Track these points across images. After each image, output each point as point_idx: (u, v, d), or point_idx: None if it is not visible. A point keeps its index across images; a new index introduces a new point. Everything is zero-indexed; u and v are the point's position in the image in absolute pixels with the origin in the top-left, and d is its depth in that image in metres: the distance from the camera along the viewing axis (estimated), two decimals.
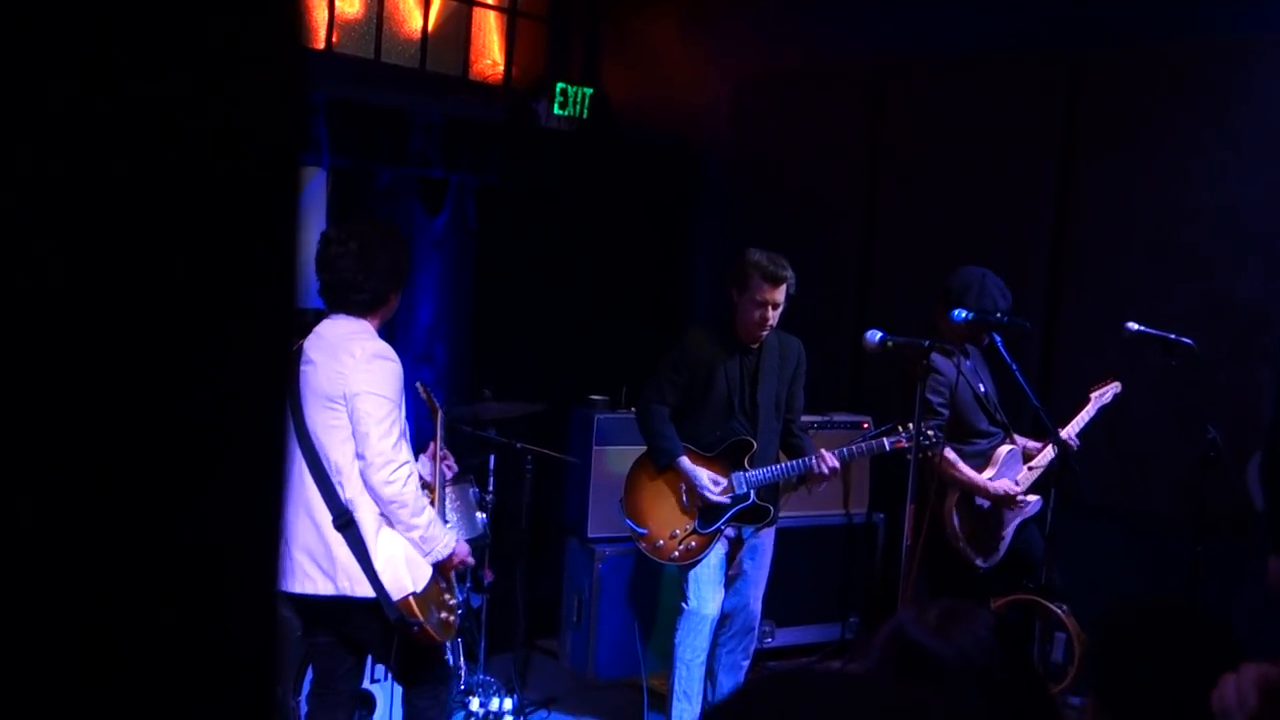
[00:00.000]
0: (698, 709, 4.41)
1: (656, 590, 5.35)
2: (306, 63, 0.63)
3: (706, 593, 4.39)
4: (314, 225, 5.16)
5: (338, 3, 5.95)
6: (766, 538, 4.54)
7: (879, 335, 3.83)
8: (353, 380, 3.34)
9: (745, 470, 4.36)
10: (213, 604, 0.61)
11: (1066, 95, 5.23)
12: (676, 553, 4.38)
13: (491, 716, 4.52)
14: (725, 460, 4.38)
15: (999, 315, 3.75)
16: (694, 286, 6.73)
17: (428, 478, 3.71)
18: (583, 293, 6.10)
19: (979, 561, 4.31)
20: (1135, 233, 4.97)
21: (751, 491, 4.36)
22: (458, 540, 3.60)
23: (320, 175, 5.29)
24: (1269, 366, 4.53)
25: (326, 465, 3.36)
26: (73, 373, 0.55)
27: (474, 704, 4.55)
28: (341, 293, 3.45)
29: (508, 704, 4.58)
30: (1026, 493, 4.39)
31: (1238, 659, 1.66)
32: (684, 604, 4.42)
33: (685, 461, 4.32)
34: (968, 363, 4.41)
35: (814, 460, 4.30)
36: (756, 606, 4.57)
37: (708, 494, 4.30)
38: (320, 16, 5.93)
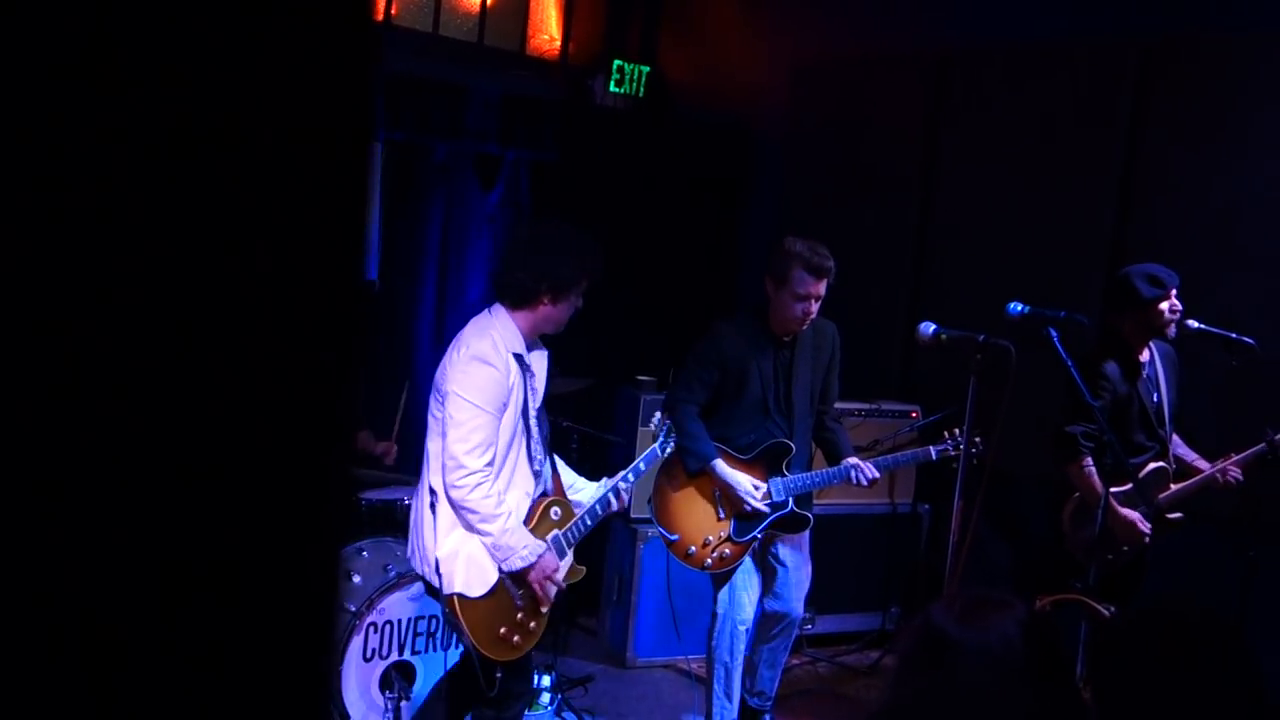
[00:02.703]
0: (736, 708, 4.29)
1: (696, 573, 5.34)
2: (376, 38, 0.63)
3: (740, 598, 4.20)
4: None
5: None
6: (803, 537, 4.33)
7: (933, 328, 3.75)
8: (450, 376, 3.35)
9: (784, 476, 4.14)
10: (273, 589, 0.61)
11: (1134, 84, 5.12)
12: (709, 560, 4.16)
13: (529, 692, 4.54)
14: (762, 464, 4.14)
15: (1061, 312, 3.66)
16: (745, 269, 6.69)
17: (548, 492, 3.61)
18: (634, 272, 6.08)
19: (1091, 569, 4.11)
20: (1198, 227, 4.86)
21: (790, 499, 4.14)
22: (542, 556, 3.41)
23: (376, 148, 5.31)
24: None
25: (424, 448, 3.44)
26: (144, 349, 0.56)
27: None
28: (493, 278, 3.55)
29: (546, 681, 4.60)
30: (1170, 511, 4.18)
31: (1243, 666, 1.63)
32: (715, 608, 4.24)
33: (721, 465, 4.07)
34: (1148, 368, 4.20)
35: (853, 473, 4.09)
36: (799, 608, 4.35)
37: (749, 500, 4.06)
38: None
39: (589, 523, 3.60)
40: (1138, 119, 5.11)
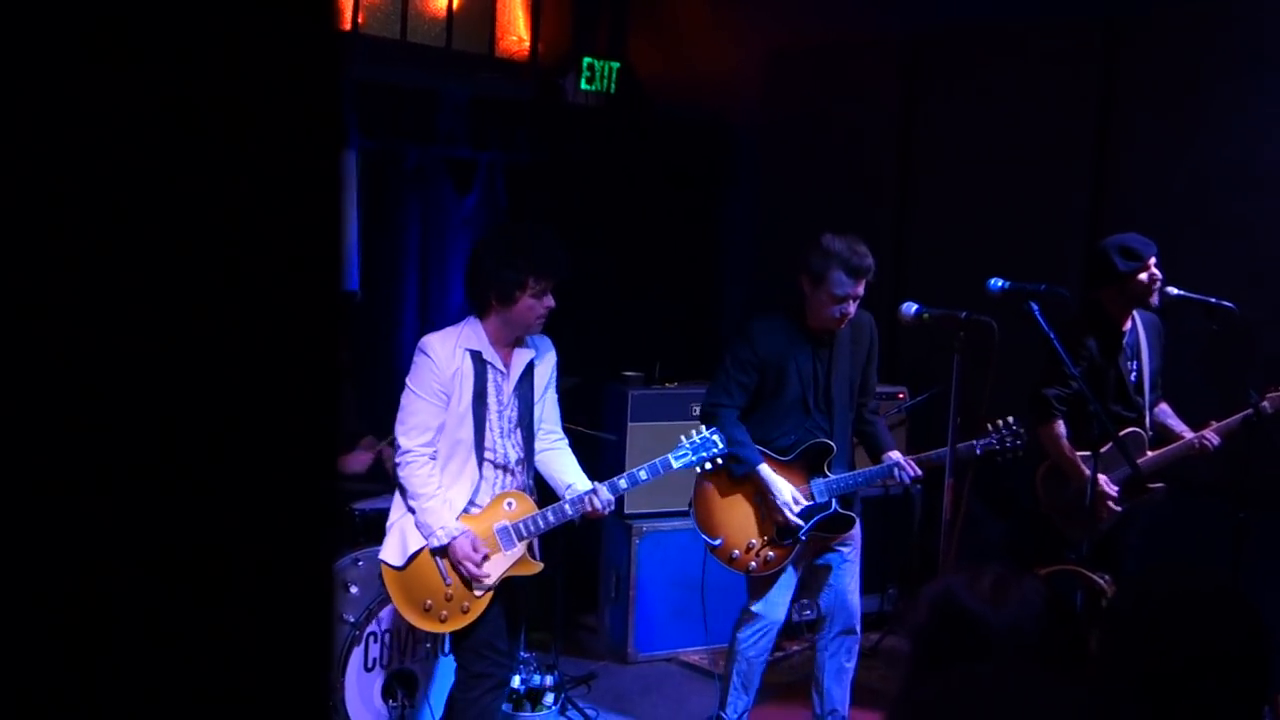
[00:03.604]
0: (751, 701, 4.23)
1: (694, 565, 5.35)
2: (343, 46, 0.63)
3: (777, 598, 4.13)
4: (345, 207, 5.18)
5: None
6: (855, 536, 4.23)
7: (915, 307, 3.76)
8: None
9: (826, 476, 4.05)
10: (267, 589, 0.61)
11: (1103, 60, 5.15)
12: (753, 564, 4.08)
13: (533, 693, 4.55)
14: (803, 465, 4.06)
15: (1041, 285, 3.68)
16: (726, 260, 6.70)
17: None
18: (614, 269, 6.08)
19: (1070, 536, 4.11)
20: (1174, 197, 4.89)
21: (833, 500, 4.05)
22: (456, 539, 3.53)
23: (350, 157, 5.30)
24: None
25: None
26: (113, 363, 0.55)
27: (515, 681, 4.57)
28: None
29: (548, 680, 4.60)
30: (1150, 479, 4.19)
31: (1252, 631, 1.63)
32: (749, 605, 4.15)
33: (766, 470, 3.99)
34: (1129, 336, 4.24)
35: (895, 470, 4.01)
36: (855, 601, 4.22)
37: (786, 512, 3.98)
38: None
39: (551, 519, 3.65)
40: (1107, 93, 5.14)
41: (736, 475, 4.03)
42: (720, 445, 3.83)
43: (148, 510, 0.56)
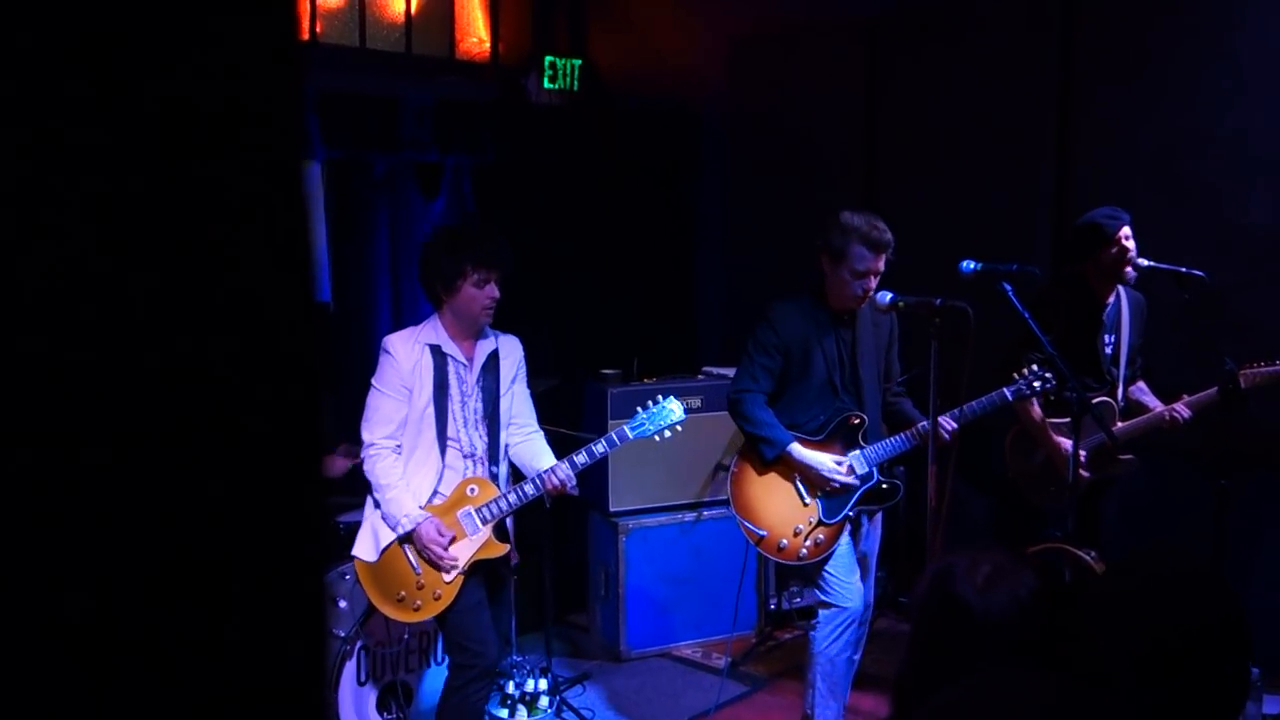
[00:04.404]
0: (842, 707, 4.09)
1: (682, 560, 5.36)
2: (301, 56, 0.62)
3: (846, 585, 4.01)
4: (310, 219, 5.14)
5: None
6: (878, 518, 4.19)
7: (890, 296, 3.75)
8: None
9: (862, 447, 3.99)
10: (259, 608, 0.60)
11: (1060, 30, 5.17)
12: (804, 550, 3.97)
13: (527, 698, 4.54)
14: (837, 442, 4.00)
15: (1013, 265, 3.70)
16: (698, 252, 6.69)
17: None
18: (588, 266, 6.07)
19: (1040, 508, 4.15)
20: (1139, 167, 4.92)
21: (874, 469, 3.99)
22: (420, 524, 3.63)
23: (315, 168, 5.26)
24: None
25: None
26: (85, 376, 0.55)
27: (509, 686, 4.57)
28: None
29: (542, 684, 4.60)
30: (1121, 451, 4.24)
31: (1232, 615, 1.64)
32: (823, 599, 4.03)
33: (798, 449, 3.93)
34: (1110, 311, 4.29)
35: (928, 423, 3.82)
36: (870, 594, 4.16)
37: (835, 477, 3.91)
38: (303, 7, 5.87)
39: (513, 500, 3.75)
40: (1066, 66, 5.16)
41: (769, 459, 3.97)
42: (680, 414, 3.87)
43: (127, 524, 0.56)
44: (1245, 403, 4.03)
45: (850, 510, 4.00)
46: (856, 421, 3.99)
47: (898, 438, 3.99)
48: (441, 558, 3.64)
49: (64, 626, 0.55)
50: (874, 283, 3.84)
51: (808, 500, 3.99)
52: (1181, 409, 4.24)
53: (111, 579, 0.56)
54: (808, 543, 3.98)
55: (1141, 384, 4.48)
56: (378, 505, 3.70)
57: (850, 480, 3.94)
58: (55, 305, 0.54)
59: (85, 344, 0.54)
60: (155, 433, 0.56)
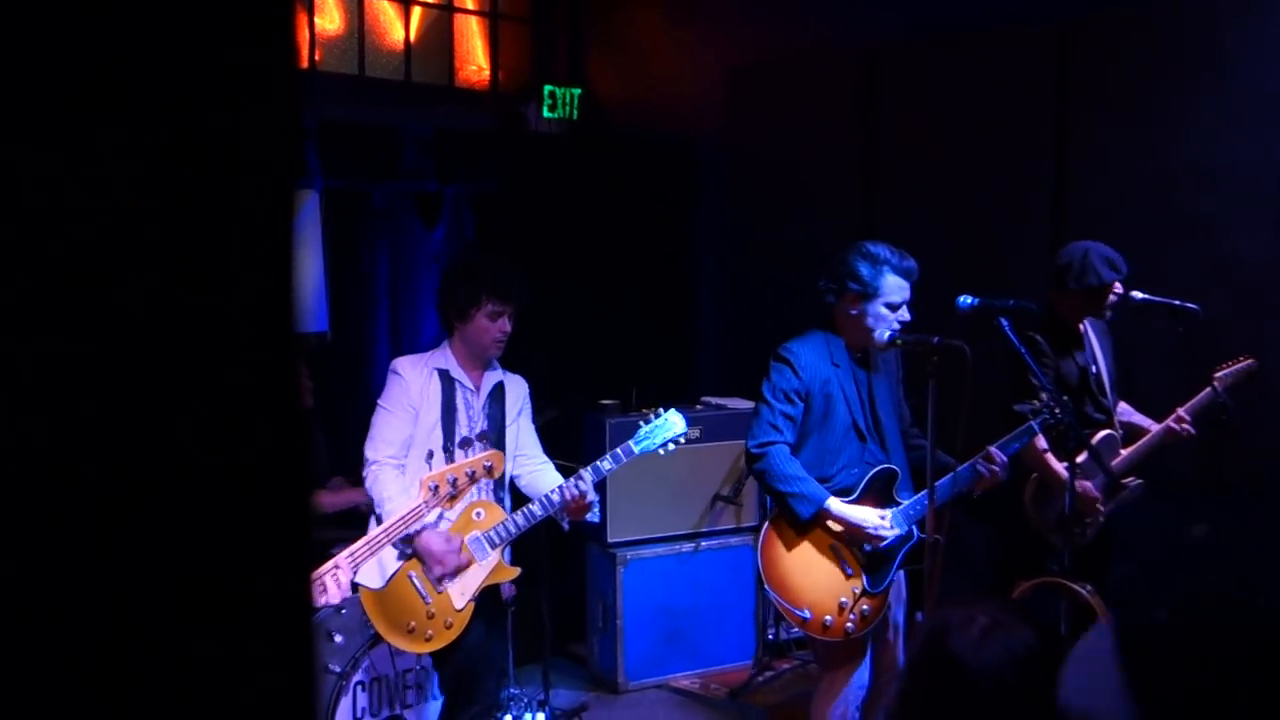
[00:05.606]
0: None
1: (679, 591, 5.35)
2: (300, 85, 0.62)
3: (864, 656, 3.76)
4: (310, 248, 5.15)
5: (318, 20, 5.92)
6: (901, 575, 3.86)
7: (888, 333, 3.72)
8: None
9: (898, 504, 3.69)
10: (242, 630, 0.61)
11: (1058, 64, 5.19)
12: (850, 625, 3.63)
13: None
14: (872, 498, 3.67)
15: (1010, 301, 3.69)
16: (698, 281, 6.71)
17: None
18: (586, 295, 6.08)
19: (1063, 548, 4.00)
20: (1134, 199, 4.94)
21: (914, 527, 3.68)
22: (424, 531, 3.60)
23: (314, 198, 5.27)
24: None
25: None
26: (67, 398, 0.54)
27: (506, 719, 4.55)
28: None
29: (540, 717, 4.58)
30: (1126, 475, 4.22)
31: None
32: (834, 672, 3.74)
33: (837, 504, 3.58)
34: (1086, 339, 4.26)
35: (978, 464, 3.64)
36: (900, 654, 3.85)
37: (881, 533, 3.58)
38: (302, 36, 5.89)
39: (521, 522, 3.75)
40: (1064, 98, 5.18)
41: (805, 519, 3.58)
42: (683, 427, 3.83)
43: (113, 554, 0.56)
44: (1227, 408, 4.05)
45: (894, 574, 3.70)
46: (891, 475, 3.72)
47: (938, 485, 3.56)
48: (451, 566, 3.61)
49: (39, 668, 0.55)
50: (909, 315, 3.65)
51: (849, 571, 3.65)
52: (1186, 417, 4.22)
53: (88, 617, 0.55)
54: (853, 616, 3.64)
55: (1124, 405, 4.48)
56: (379, 522, 3.64)
57: (893, 538, 3.64)
58: (30, 333, 0.54)
59: (63, 369, 0.54)
60: (132, 466, 0.56)
